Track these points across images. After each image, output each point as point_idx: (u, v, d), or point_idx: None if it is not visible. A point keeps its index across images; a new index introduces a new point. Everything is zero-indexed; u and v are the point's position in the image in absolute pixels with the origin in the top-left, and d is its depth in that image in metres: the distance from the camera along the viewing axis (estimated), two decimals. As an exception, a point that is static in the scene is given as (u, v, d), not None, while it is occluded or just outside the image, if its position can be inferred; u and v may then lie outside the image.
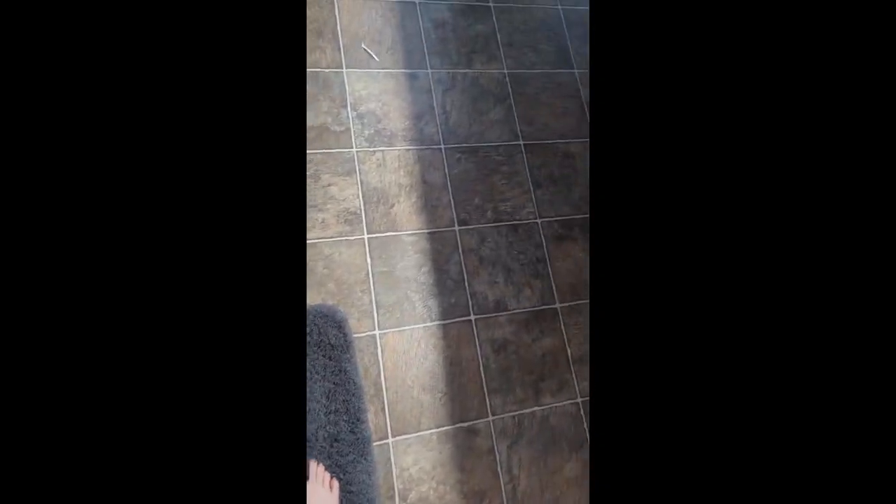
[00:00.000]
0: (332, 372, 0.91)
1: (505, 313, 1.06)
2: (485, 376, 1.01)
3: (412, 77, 1.18)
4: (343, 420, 0.89)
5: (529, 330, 1.06)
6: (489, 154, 1.17)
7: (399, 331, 0.99)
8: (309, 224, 1.01)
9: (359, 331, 0.97)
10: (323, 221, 1.02)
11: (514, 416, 0.99)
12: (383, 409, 0.94)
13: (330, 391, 0.90)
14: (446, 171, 1.13)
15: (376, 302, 1.00)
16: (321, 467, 0.84)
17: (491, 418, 0.98)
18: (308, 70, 1.12)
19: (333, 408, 0.90)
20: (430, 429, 0.95)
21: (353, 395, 0.91)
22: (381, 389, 0.95)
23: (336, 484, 0.83)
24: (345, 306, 0.98)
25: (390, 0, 1.23)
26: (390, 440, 0.92)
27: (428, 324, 1.01)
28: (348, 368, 0.93)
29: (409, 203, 1.09)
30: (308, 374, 0.90)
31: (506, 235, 1.12)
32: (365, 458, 0.88)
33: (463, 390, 0.99)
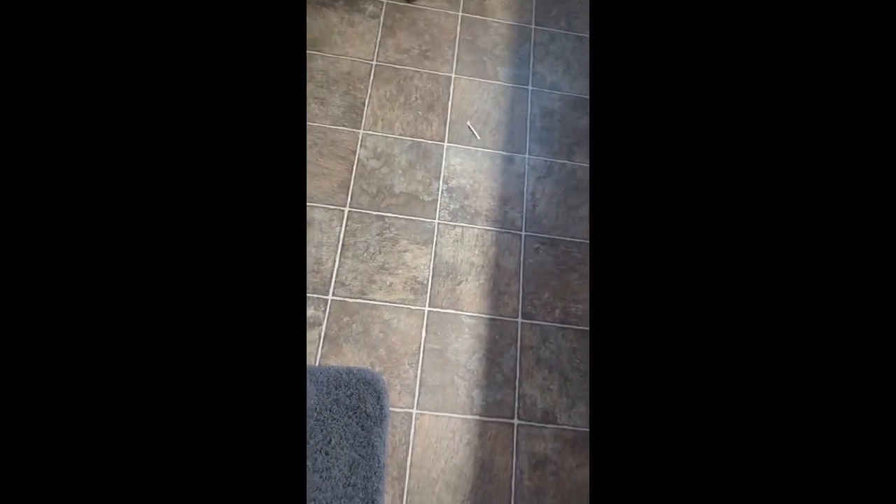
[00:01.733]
0: (361, 443, 0.90)
1: (552, 426, 0.98)
2: (514, 492, 0.92)
3: (508, 160, 1.19)
4: (359, 497, 0.86)
5: (575, 453, 0.96)
6: (570, 250, 1.13)
7: (436, 416, 0.96)
8: (376, 285, 1.04)
9: (397, 405, 0.96)
10: (390, 285, 1.04)
11: (536, 550, 0.89)
12: (401, 496, 0.90)
13: (354, 462, 0.89)
14: (522, 258, 1.11)
15: (421, 379, 0.98)
16: None
17: (511, 544, 0.89)
18: (412, 139, 1.18)
19: (353, 481, 0.87)
20: (444, 534, 0.88)
21: (375, 473, 0.88)
22: (405, 474, 0.91)
23: None
24: (389, 377, 0.97)
25: (504, 84, 1.27)
26: (400, 534, 0.87)
27: (467, 416, 0.96)
28: (377, 443, 0.90)
29: (477, 284, 1.07)
30: (338, 439, 0.90)
31: (571, 340, 1.05)
32: (370, 546, 0.84)
33: (488, 500, 0.91)
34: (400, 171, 1.15)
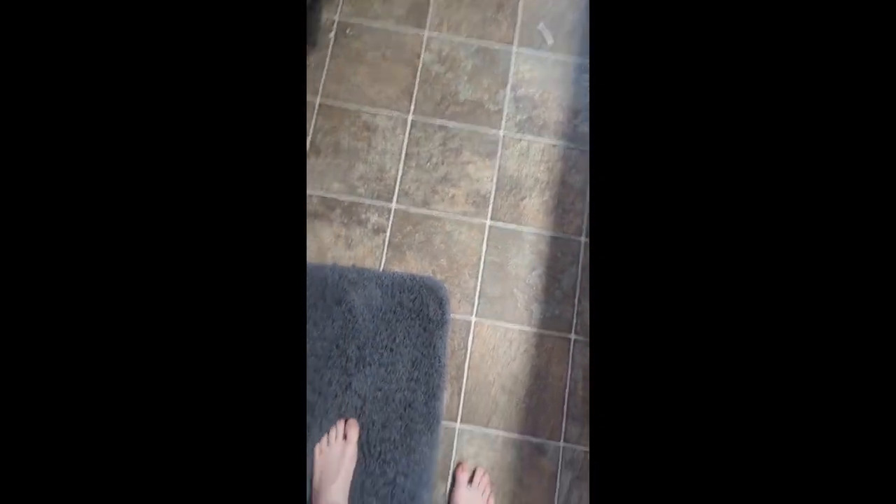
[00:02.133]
0: (423, 343, 0.94)
1: (609, 343, 0.98)
2: (568, 401, 0.95)
3: (582, 68, 1.10)
4: (421, 391, 0.92)
5: (631, 369, 0.97)
6: (643, 169, 1.06)
7: (494, 325, 0.98)
8: (439, 196, 1.03)
9: (457, 312, 0.98)
10: (453, 197, 1.03)
11: (586, 452, 0.93)
12: (460, 393, 0.95)
13: (416, 360, 0.94)
14: (589, 175, 1.05)
15: (480, 289, 0.99)
16: (342, 423, 0.89)
17: (562, 444, 0.93)
18: (479, 43, 1.10)
19: (415, 376, 0.93)
20: (499, 429, 0.94)
21: (436, 370, 0.93)
22: (463, 375, 0.96)
23: (354, 427, 0.88)
24: (450, 285, 0.99)
25: (583, -20, 1.13)
26: (458, 425, 0.94)
27: (525, 328, 0.98)
28: (438, 345, 0.95)
29: (541, 200, 1.04)
30: (402, 338, 0.94)
31: (635, 261, 1.02)
32: (431, 433, 0.91)
33: (542, 405, 0.95)
34: (465, 78, 1.08)
